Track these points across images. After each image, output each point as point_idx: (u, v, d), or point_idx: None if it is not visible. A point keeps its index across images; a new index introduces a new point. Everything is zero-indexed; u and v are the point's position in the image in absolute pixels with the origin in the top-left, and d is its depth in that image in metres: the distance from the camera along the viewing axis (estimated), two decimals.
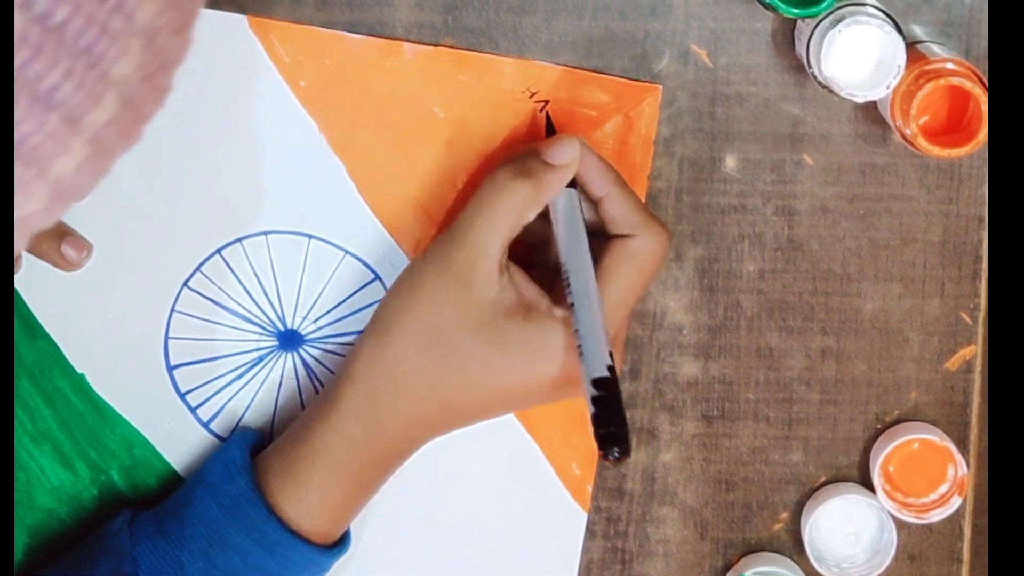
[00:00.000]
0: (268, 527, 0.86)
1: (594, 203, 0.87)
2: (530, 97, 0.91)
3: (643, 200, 0.92)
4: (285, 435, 0.89)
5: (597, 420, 0.82)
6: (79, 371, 0.93)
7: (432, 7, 0.91)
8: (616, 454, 0.82)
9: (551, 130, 0.90)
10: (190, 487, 0.89)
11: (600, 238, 0.87)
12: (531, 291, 0.86)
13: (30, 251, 0.91)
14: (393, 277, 0.91)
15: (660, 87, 0.92)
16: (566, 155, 0.86)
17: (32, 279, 0.92)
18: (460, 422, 0.87)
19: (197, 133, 0.91)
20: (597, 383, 0.83)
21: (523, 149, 0.88)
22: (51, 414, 0.93)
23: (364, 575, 0.94)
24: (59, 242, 0.91)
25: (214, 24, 0.90)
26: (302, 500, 0.87)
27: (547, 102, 0.91)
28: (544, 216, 0.87)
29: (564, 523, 0.95)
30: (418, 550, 0.95)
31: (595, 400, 0.82)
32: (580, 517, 0.95)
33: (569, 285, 0.85)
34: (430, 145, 0.91)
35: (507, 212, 0.85)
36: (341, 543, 0.89)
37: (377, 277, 0.93)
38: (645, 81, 0.92)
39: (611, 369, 0.83)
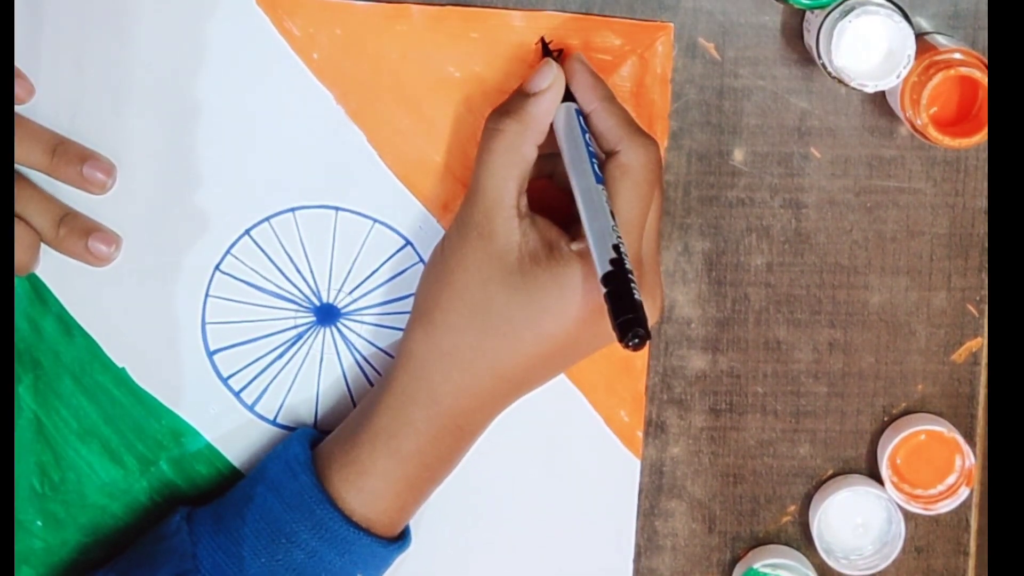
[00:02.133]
0: (332, 522, 0.85)
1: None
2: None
3: (663, 142, 0.92)
4: (343, 425, 0.88)
5: (612, 312, 0.80)
6: (119, 365, 0.92)
7: None
8: (635, 341, 0.79)
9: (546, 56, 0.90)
10: (250, 484, 0.88)
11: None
12: (552, 232, 0.85)
13: (59, 249, 0.90)
14: (424, 241, 0.91)
15: (671, 25, 0.92)
16: (544, 80, 0.86)
17: (64, 277, 0.92)
18: (515, 390, 0.87)
19: (214, 116, 0.91)
20: (606, 279, 0.81)
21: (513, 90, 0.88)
22: (95, 410, 0.93)
23: (419, 529, 0.92)
24: (87, 238, 0.90)
25: (222, 5, 0.90)
26: (364, 488, 0.86)
27: (560, 51, 0.91)
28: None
29: (618, 472, 0.94)
30: (477, 510, 0.94)
31: (607, 295, 0.80)
32: (633, 464, 0.94)
33: (575, 195, 0.84)
34: (448, 105, 0.91)
35: (503, 155, 0.85)
36: (403, 537, 0.88)
37: (408, 243, 0.93)
38: (656, 21, 0.92)
39: (615, 262, 0.81)
